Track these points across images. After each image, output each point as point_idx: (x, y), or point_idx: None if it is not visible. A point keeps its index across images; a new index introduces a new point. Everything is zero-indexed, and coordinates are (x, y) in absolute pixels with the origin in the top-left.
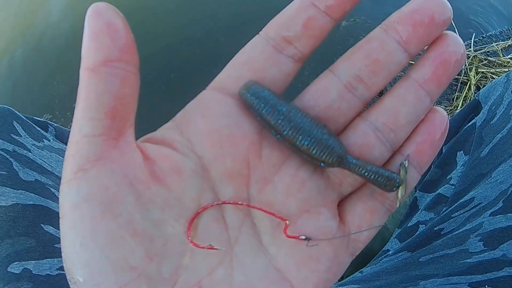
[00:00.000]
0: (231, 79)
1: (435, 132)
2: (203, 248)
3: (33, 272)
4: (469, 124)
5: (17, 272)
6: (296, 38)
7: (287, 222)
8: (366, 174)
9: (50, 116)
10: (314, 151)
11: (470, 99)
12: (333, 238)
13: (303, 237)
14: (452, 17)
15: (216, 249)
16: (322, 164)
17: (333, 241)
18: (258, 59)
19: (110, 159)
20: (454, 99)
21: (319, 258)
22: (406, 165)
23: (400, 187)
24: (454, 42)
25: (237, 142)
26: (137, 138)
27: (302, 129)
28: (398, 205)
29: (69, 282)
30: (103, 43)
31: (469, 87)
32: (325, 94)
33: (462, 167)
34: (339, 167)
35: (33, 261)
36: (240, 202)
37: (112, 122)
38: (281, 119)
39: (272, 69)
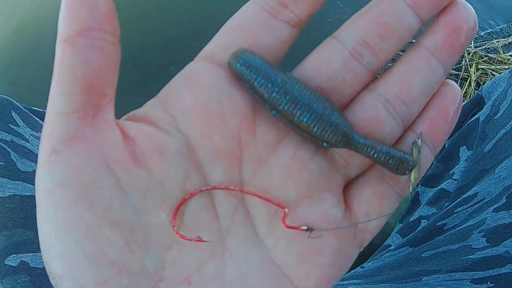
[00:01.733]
0: (220, 46)
1: (449, 106)
2: (190, 240)
3: (30, 264)
4: (472, 119)
5: (14, 265)
6: (293, 1)
7: (285, 210)
8: (375, 155)
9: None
10: (314, 129)
11: (470, 95)
12: (339, 228)
13: (305, 228)
14: None
15: (205, 241)
16: (324, 144)
17: (338, 232)
18: (250, 24)
19: (85, 139)
20: None
21: (322, 251)
22: (419, 144)
23: (413, 170)
24: (466, 9)
25: (227, 117)
26: None
27: (301, 103)
28: (410, 190)
29: (49, 277)
30: (79, 12)
31: (469, 83)
32: (328, 62)
33: (465, 162)
34: (344, 148)
35: (31, 254)
36: (232, 188)
37: (88, 97)
38: (276, 92)
39: (266, 35)
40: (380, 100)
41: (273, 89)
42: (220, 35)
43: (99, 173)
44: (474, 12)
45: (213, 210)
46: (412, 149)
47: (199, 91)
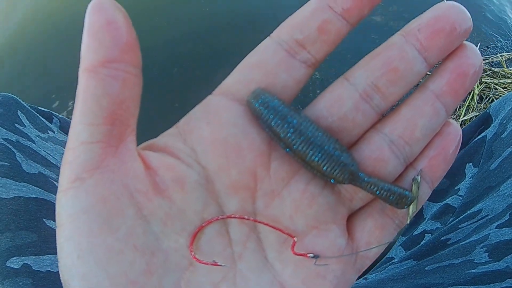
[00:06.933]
0: (239, 83)
1: (449, 146)
2: (206, 264)
3: (33, 267)
4: (479, 136)
5: (16, 267)
6: (310, 42)
7: (295, 239)
8: (378, 192)
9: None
10: (324, 168)
11: (473, 109)
12: (342, 256)
13: (311, 255)
14: (471, 28)
15: (220, 265)
16: (332, 181)
17: (341, 258)
18: (269, 63)
19: (109, 168)
20: (457, 108)
21: (326, 276)
22: (419, 180)
23: (412, 204)
24: (473, 53)
25: (244, 153)
26: (139, 134)
27: (313, 144)
28: (408, 222)
29: None
30: (102, 42)
31: (472, 96)
32: (340, 103)
33: (471, 179)
34: (350, 184)
35: (34, 257)
36: (246, 217)
37: (112, 128)
38: (291, 132)
39: (283, 74)
40: (385, 141)
41: (289, 130)
42: (238, 71)
43: (122, 202)
44: (480, 55)
45: (227, 236)
46: (412, 185)
47: (218, 126)
